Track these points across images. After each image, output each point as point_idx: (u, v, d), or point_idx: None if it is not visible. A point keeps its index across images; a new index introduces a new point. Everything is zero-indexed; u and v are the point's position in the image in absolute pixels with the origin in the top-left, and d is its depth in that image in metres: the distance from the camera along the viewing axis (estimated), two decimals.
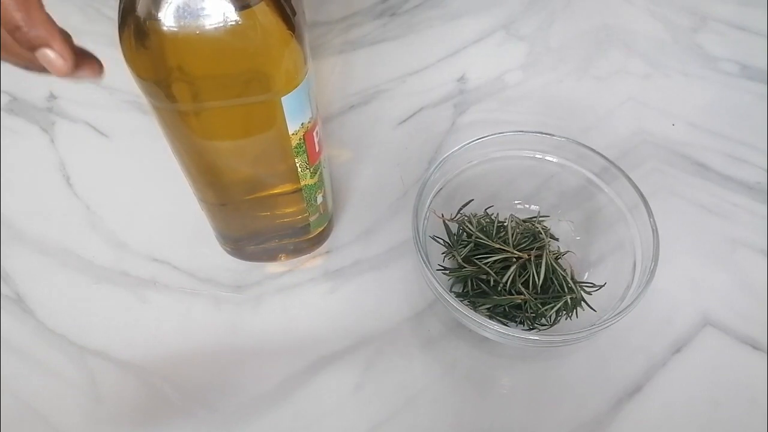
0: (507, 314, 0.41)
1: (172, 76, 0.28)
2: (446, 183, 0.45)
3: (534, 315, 0.40)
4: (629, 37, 0.61)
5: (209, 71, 0.28)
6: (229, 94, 0.29)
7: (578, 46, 0.60)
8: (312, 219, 0.41)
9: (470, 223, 0.43)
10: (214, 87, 0.29)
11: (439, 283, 0.38)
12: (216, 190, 0.38)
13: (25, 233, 0.47)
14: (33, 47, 0.27)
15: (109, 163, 0.51)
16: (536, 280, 0.40)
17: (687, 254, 0.46)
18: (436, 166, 0.43)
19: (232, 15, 0.26)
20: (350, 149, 0.52)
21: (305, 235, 0.43)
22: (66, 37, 0.28)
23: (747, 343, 0.42)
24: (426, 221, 0.43)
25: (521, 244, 0.42)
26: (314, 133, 0.35)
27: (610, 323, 0.37)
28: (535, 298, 0.40)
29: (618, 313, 0.37)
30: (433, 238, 0.43)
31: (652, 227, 0.40)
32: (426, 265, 0.39)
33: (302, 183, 0.37)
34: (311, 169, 0.36)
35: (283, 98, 0.30)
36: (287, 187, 0.37)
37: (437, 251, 0.44)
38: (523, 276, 0.40)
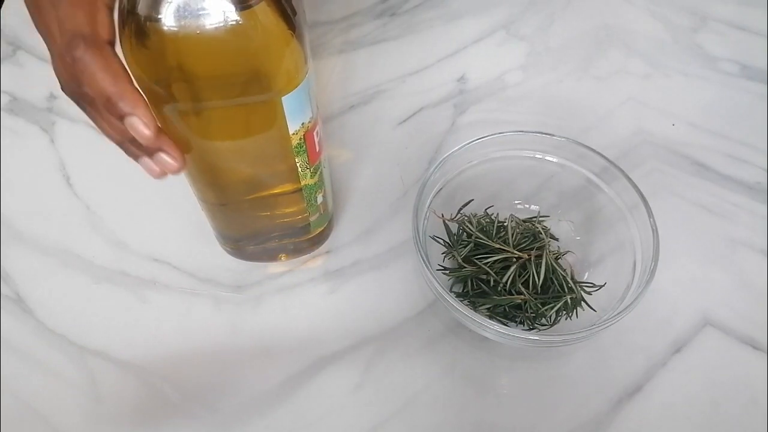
0: (507, 314, 0.41)
1: (173, 76, 0.28)
2: (446, 183, 0.45)
3: (534, 315, 0.40)
4: (629, 37, 0.61)
5: (210, 71, 0.28)
6: (229, 94, 0.29)
7: (578, 46, 0.60)
8: (312, 219, 0.41)
9: (470, 223, 0.43)
10: (215, 87, 0.29)
11: (439, 283, 0.38)
12: (216, 190, 0.38)
13: (25, 233, 0.47)
14: (121, 116, 0.28)
15: (109, 163, 0.51)
16: (536, 280, 0.40)
17: (687, 254, 0.46)
18: (436, 166, 0.43)
19: (232, 15, 0.26)
20: (350, 149, 0.52)
21: (305, 235, 0.43)
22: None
23: (747, 343, 0.42)
24: (426, 221, 0.43)
25: (521, 244, 0.42)
26: (314, 133, 0.35)
27: (610, 323, 0.37)
28: (535, 298, 0.40)
29: (618, 313, 0.37)
30: (433, 238, 0.43)
31: (652, 227, 0.40)
32: (426, 265, 0.39)
33: (302, 183, 0.37)
34: (311, 169, 0.36)
35: (283, 98, 0.30)
36: (287, 187, 0.37)
37: (437, 251, 0.44)
38: (523, 276, 0.40)
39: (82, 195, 0.50)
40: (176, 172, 0.32)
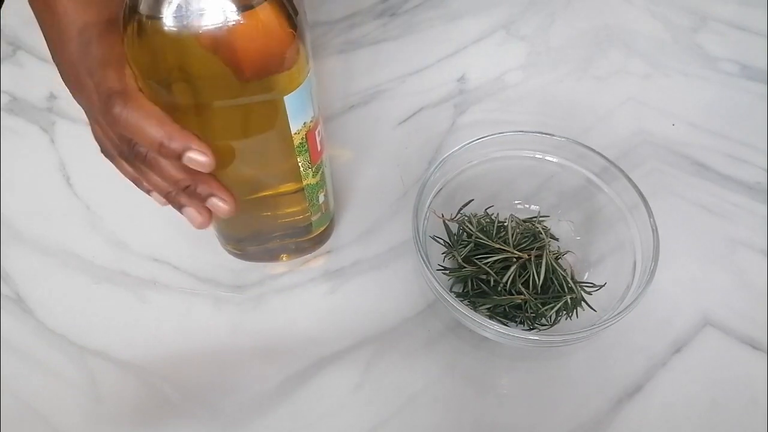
0: (507, 314, 0.41)
1: (175, 76, 0.28)
2: (446, 183, 0.45)
3: (534, 315, 0.40)
4: (629, 37, 0.61)
5: (212, 71, 0.28)
6: (231, 94, 0.29)
7: (578, 46, 0.60)
8: (314, 218, 0.41)
9: (470, 223, 0.43)
10: (217, 87, 0.29)
11: (439, 283, 0.38)
12: None
13: (25, 233, 0.47)
14: (178, 155, 0.29)
15: (110, 163, 0.51)
16: (536, 280, 0.40)
17: (687, 254, 0.46)
18: (436, 166, 0.43)
19: (234, 15, 0.26)
20: (350, 149, 0.52)
21: (307, 235, 0.43)
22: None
23: (747, 343, 0.42)
24: (426, 221, 0.43)
25: (521, 244, 0.42)
26: (316, 133, 0.35)
27: (610, 323, 0.37)
28: (535, 298, 0.40)
29: (618, 313, 0.37)
30: (433, 238, 0.43)
31: (652, 227, 0.40)
32: (426, 265, 0.39)
33: (304, 182, 0.37)
34: (313, 169, 0.36)
35: (285, 97, 0.30)
36: (289, 187, 0.37)
37: (437, 251, 0.44)
38: (523, 276, 0.40)
39: (82, 195, 0.50)
40: (228, 215, 0.33)
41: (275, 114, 0.31)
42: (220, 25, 0.26)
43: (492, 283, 0.41)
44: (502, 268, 0.41)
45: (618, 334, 0.42)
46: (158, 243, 0.47)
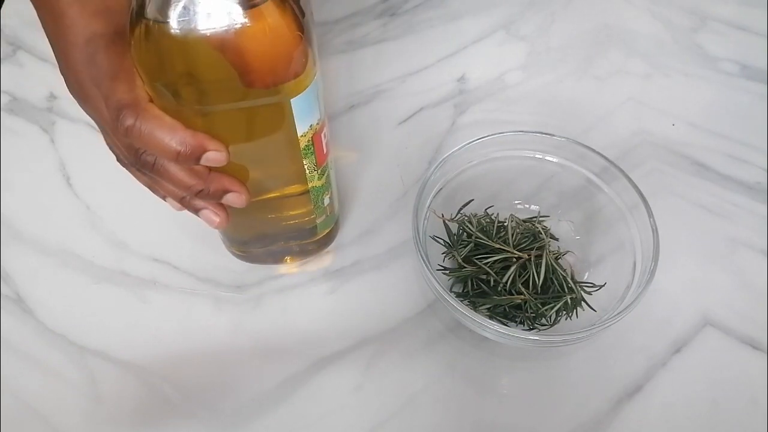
0: (507, 314, 0.41)
1: (182, 79, 0.28)
2: (446, 183, 0.45)
3: (534, 315, 0.40)
4: (629, 37, 0.61)
5: (218, 74, 0.28)
6: (238, 97, 0.29)
7: (578, 46, 0.60)
8: (319, 221, 0.41)
9: (470, 223, 0.43)
10: (224, 89, 0.29)
11: (439, 283, 0.38)
12: None
13: (25, 233, 0.47)
14: (197, 158, 0.30)
15: (109, 163, 0.51)
16: (536, 280, 0.40)
17: (687, 254, 0.46)
18: (436, 166, 0.43)
19: (240, 18, 0.26)
20: (350, 149, 0.52)
21: (312, 237, 0.43)
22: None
23: (747, 343, 0.42)
24: (426, 221, 0.43)
25: (521, 244, 0.42)
26: (322, 135, 0.35)
27: (610, 323, 0.37)
28: (535, 298, 0.40)
29: (618, 313, 0.37)
30: (433, 238, 0.43)
31: (652, 227, 0.40)
32: (426, 265, 0.39)
33: (310, 185, 0.37)
34: (319, 171, 0.36)
35: (292, 100, 0.30)
36: (295, 189, 0.37)
37: (437, 251, 0.44)
38: (523, 276, 0.40)
39: (82, 195, 0.50)
40: (245, 205, 0.34)
41: (282, 116, 0.31)
42: (227, 27, 0.26)
43: (492, 283, 0.41)
44: (502, 268, 0.41)
45: (618, 334, 0.42)
46: (158, 243, 0.47)
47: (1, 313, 0.43)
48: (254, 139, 0.32)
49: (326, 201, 0.40)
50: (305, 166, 0.35)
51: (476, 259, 0.41)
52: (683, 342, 0.42)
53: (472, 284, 0.42)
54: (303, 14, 0.28)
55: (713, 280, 0.45)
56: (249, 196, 0.34)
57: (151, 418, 0.39)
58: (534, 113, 0.55)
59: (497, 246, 0.41)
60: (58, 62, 0.31)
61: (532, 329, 0.41)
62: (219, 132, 0.31)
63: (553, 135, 0.45)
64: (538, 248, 0.41)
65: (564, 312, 0.41)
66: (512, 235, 0.42)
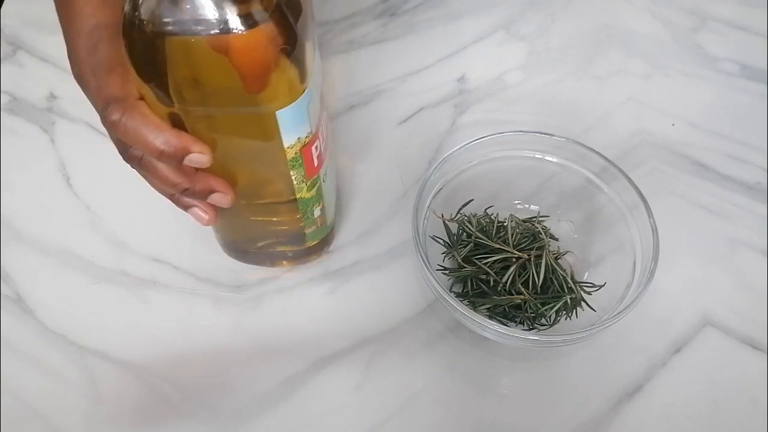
0: (507, 314, 0.41)
1: (171, 81, 0.28)
2: (446, 183, 0.45)
3: (534, 315, 0.40)
4: (629, 37, 0.61)
5: (202, 79, 0.28)
6: (223, 102, 0.29)
7: (578, 46, 0.60)
8: (308, 231, 0.41)
9: (470, 223, 0.43)
10: (209, 94, 0.28)
11: (439, 283, 0.38)
12: None
13: (25, 233, 0.47)
14: (180, 158, 0.30)
15: (109, 163, 0.51)
16: (536, 280, 0.40)
17: (687, 254, 0.46)
18: (436, 166, 0.43)
19: (228, 25, 0.26)
20: (350, 149, 0.52)
21: (302, 245, 0.42)
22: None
23: (747, 343, 0.42)
24: (426, 221, 0.43)
25: (521, 244, 0.42)
26: (312, 148, 0.34)
27: (610, 323, 0.37)
28: (535, 298, 0.40)
29: (618, 313, 0.37)
30: (433, 238, 0.43)
31: (652, 227, 0.40)
32: (426, 265, 0.39)
33: (298, 195, 0.36)
34: (308, 183, 0.36)
35: (277, 112, 0.30)
36: (281, 197, 0.37)
37: (437, 251, 0.44)
38: (523, 276, 0.40)
39: (82, 195, 0.50)
40: (229, 204, 0.34)
41: (267, 126, 0.31)
42: (214, 32, 0.26)
43: (492, 283, 0.41)
44: (502, 268, 0.41)
45: (618, 334, 0.42)
46: (158, 243, 0.47)
47: (1, 313, 0.43)
48: (240, 145, 0.32)
49: (316, 212, 0.39)
50: (292, 177, 0.35)
51: (476, 259, 0.41)
52: (683, 342, 0.42)
53: (472, 284, 0.42)
54: (292, 30, 0.28)
55: (713, 280, 0.45)
56: (234, 198, 0.34)
57: (151, 418, 0.39)
58: (534, 113, 0.55)
59: (497, 246, 0.41)
60: (66, 46, 0.32)
61: (532, 329, 0.41)
62: (204, 134, 0.31)
63: (553, 135, 0.45)
64: (538, 248, 0.41)
65: (564, 312, 0.41)
66: (512, 235, 0.42)
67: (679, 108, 0.55)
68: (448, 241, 0.44)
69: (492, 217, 0.44)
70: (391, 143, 0.53)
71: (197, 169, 0.32)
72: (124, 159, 0.33)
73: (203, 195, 0.34)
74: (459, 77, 0.58)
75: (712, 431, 0.39)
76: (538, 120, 0.54)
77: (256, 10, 0.26)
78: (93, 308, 0.44)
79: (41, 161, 0.52)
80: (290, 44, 0.28)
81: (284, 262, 0.45)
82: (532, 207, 0.47)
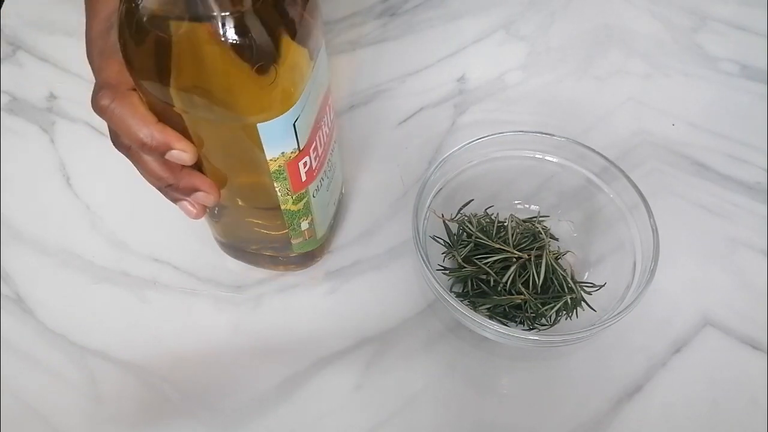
0: (507, 314, 0.41)
1: (152, 73, 0.28)
2: (446, 183, 0.45)
3: (534, 315, 0.40)
4: (629, 37, 0.61)
5: (185, 80, 0.27)
6: (202, 104, 0.29)
7: (578, 46, 0.60)
8: (295, 242, 0.40)
9: (470, 223, 0.43)
10: (193, 95, 0.28)
11: (439, 283, 0.38)
12: None
13: (25, 233, 0.47)
14: (162, 152, 0.31)
15: (109, 163, 0.51)
16: (536, 280, 0.40)
17: (687, 254, 0.46)
18: (436, 166, 0.43)
19: (217, 30, 0.25)
20: (350, 149, 0.52)
21: (289, 253, 0.42)
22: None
23: (747, 343, 0.42)
24: (426, 221, 0.43)
25: (521, 244, 0.42)
26: (300, 164, 0.33)
27: (610, 323, 0.37)
28: (535, 298, 0.40)
29: (618, 313, 0.37)
30: (433, 238, 0.43)
31: (652, 227, 0.40)
32: (426, 265, 0.39)
33: (283, 207, 0.36)
34: (294, 197, 0.35)
35: (258, 125, 0.29)
36: (268, 204, 0.36)
37: (437, 251, 0.44)
38: (523, 276, 0.40)
39: (82, 195, 0.50)
40: (214, 203, 0.34)
41: (250, 134, 0.30)
42: (203, 32, 0.25)
43: (492, 283, 0.41)
44: (502, 268, 0.41)
45: (618, 334, 0.42)
46: (158, 243, 0.47)
47: (1, 313, 0.43)
48: (224, 147, 0.32)
49: (304, 225, 0.39)
50: (276, 189, 0.34)
51: (476, 259, 0.41)
52: (683, 342, 0.42)
53: (472, 284, 0.42)
54: (274, 49, 0.27)
55: (713, 280, 0.45)
56: (218, 198, 0.34)
57: (151, 418, 0.39)
58: (534, 113, 0.55)
59: (497, 246, 0.41)
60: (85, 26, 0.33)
61: (532, 329, 0.41)
62: (192, 132, 0.31)
63: (553, 135, 0.45)
64: (538, 248, 0.41)
65: (564, 312, 0.41)
66: (512, 235, 0.42)
67: (679, 108, 0.55)
68: (448, 241, 0.44)
69: (492, 217, 0.44)
70: (391, 143, 0.53)
71: (183, 166, 0.32)
72: (114, 146, 0.33)
73: (186, 192, 0.34)
74: (459, 77, 0.58)
75: (712, 431, 0.39)
76: (538, 120, 0.54)
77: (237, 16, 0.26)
78: (93, 308, 0.44)
79: (41, 161, 0.52)
80: (265, 62, 0.27)
81: (274, 266, 0.44)
82: (532, 207, 0.47)
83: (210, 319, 0.43)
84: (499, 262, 0.41)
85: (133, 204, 0.48)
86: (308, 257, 0.44)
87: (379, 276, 0.45)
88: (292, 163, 0.33)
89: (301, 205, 0.36)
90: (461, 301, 0.40)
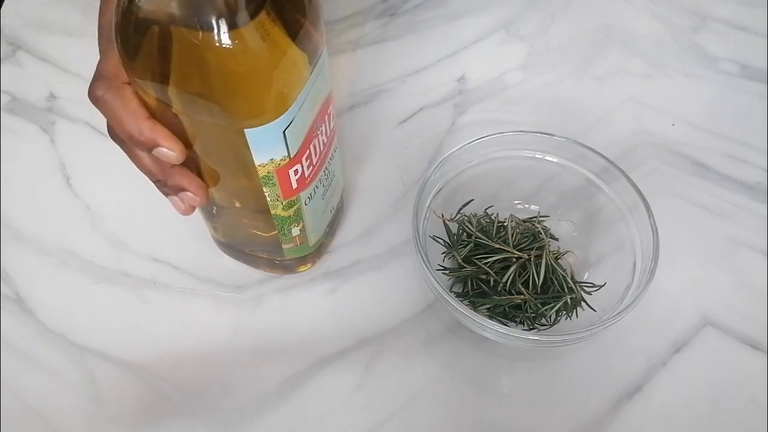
0: (507, 314, 0.41)
1: (153, 76, 0.28)
2: (446, 183, 0.45)
3: (534, 315, 0.40)
4: (629, 37, 0.61)
5: (176, 79, 0.27)
6: (196, 107, 0.28)
7: (578, 46, 0.60)
8: (286, 246, 0.40)
9: (470, 223, 0.43)
10: (185, 94, 0.28)
11: (439, 283, 0.38)
12: None
13: (25, 233, 0.47)
14: (149, 148, 0.31)
15: (109, 163, 0.51)
16: (536, 280, 0.40)
17: (687, 254, 0.46)
18: (436, 166, 0.43)
19: (211, 34, 0.25)
20: (350, 149, 0.52)
21: (281, 256, 0.42)
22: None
23: (747, 343, 0.42)
24: (426, 221, 0.43)
25: (521, 244, 0.42)
26: (291, 171, 0.33)
27: (610, 323, 0.37)
28: (535, 298, 0.40)
29: (618, 313, 0.37)
30: (433, 238, 0.43)
31: (652, 227, 0.40)
32: (426, 265, 0.39)
33: (273, 211, 0.36)
34: (284, 203, 0.35)
35: (246, 130, 0.29)
36: (258, 207, 0.36)
37: (437, 251, 0.44)
38: (523, 276, 0.40)
39: (82, 195, 0.50)
40: (201, 205, 0.34)
41: (238, 138, 0.30)
42: (198, 34, 0.25)
43: (492, 283, 0.41)
44: (502, 268, 0.41)
45: (618, 334, 0.42)
46: (158, 243, 0.47)
47: (1, 313, 0.43)
48: (215, 147, 0.32)
49: (294, 231, 0.38)
50: (265, 193, 0.34)
51: (476, 259, 0.41)
52: (683, 342, 0.42)
53: (472, 284, 0.42)
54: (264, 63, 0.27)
55: (713, 280, 0.45)
56: (205, 200, 0.34)
57: (151, 418, 0.39)
58: (534, 113, 0.55)
59: (497, 246, 0.41)
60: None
61: (532, 329, 0.41)
62: (179, 131, 0.30)
63: (553, 135, 0.45)
64: (538, 248, 0.41)
65: (564, 312, 0.41)
66: (512, 235, 0.42)
67: (679, 108, 0.55)
68: (448, 241, 0.44)
69: (492, 217, 0.44)
70: (391, 143, 0.53)
71: (174, 164, 0.32)
72: (110, 137, 0.33)
73: (174, 191, 0.34)
74: (459, 77, 0.58)
75: (712, 431, 0.39)
76: (538, 120, 0.54)
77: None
78: (93, 308, 0.44)
79: (41, 161, 0.52)
80: (257, 68, 0.27)
81: (270, 268, 0.44)
82: (532, 207, 0.47)
83: (210, 319, 0.43)
84: (499, 262, 0.41)
85: (133, 204, 0.48)
86: (301, 261, 0.44)
87: (379, 276, 0.45)
88: (282, 170, 0.32)
89: (291, 211, 0.36)
90: (461, 301, 0.40)
